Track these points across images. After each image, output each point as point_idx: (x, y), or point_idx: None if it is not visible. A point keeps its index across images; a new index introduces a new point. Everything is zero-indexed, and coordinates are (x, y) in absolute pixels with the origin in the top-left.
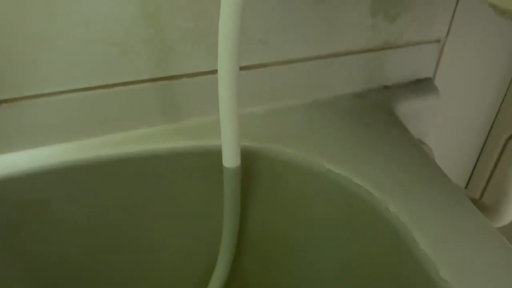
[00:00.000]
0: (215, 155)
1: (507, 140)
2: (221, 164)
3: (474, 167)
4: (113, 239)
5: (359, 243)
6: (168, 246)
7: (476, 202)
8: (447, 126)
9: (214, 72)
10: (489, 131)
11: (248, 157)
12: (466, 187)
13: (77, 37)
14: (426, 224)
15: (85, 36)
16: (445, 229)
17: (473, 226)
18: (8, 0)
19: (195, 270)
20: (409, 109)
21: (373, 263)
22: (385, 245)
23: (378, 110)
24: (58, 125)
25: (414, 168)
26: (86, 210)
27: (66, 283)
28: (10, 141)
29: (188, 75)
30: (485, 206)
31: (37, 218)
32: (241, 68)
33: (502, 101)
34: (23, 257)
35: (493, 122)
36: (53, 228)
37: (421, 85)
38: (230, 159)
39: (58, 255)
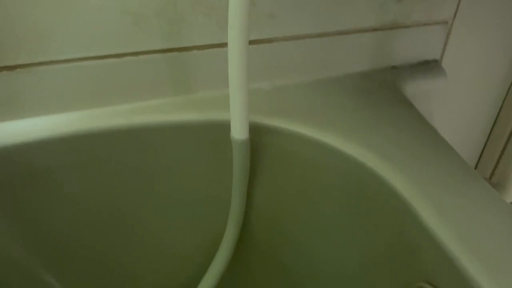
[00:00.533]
0: (224, 128)
1: None
2: (230, 138)
3: (482, 151)
4: (118, 210)
5: (367, 220)
6: (175, 216)
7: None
8: (454, 108)
9: (225, 45)
10: (498, 114)
11: (256, 131)
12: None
13: (92, 5)
14: (435, 197)
15: (100, 4)
16: (454, 202)
17: (484, 200)
18: None
19: (203, 240)
20: (416, 90)
21: (382, 241)
22: (394, 223)
23: (385, 89)
24: (69, 93)
25: (423, 142)
26: (92, 181)
27: (68, 253)
28: (23, 107)
29: (199, 47)
30: (493, 186)
31: (44, 186)
32: (250, 42)
33: (511, 84)
34: (27, 224)
35: (502, 105)
36: (59, 197)
37: (429, 67)
38: (239, 131)
39: (61, 225)
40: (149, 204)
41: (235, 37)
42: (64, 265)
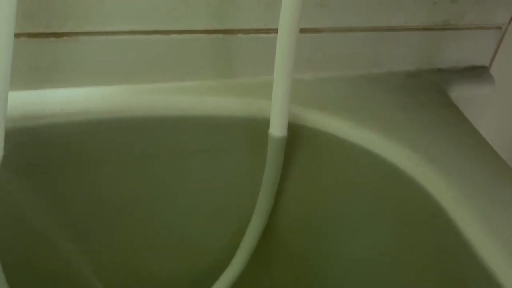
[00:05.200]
0: (261, 122)
1: None
2: (265, 131)
3: None
4: (142, 194)
5: (403, 224)
6: (199, 205)
7: None
8: (500, 116)
9: (270, 31)
10: None
11: (293, 127)
12: None
13: None
14: (478, 206)
15: None
16: (498, 212)
17: None
18: None
19: (226, 231)
20: (462, 94)
21: (419, 246)
22: (432, 226)
23: (431, 90)
24: (112, 66)
25: (468, 148)
26: (123, 160)
27: (97, 231)
28: (65, 76)
29: (244, 31)
30: None
31: (78, 159)
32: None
33: None
34: (56, 196)
35: None
36: (90, 170)
37: (477, 73)
38: (278, 128)
39: (93, 200)
40: (173, 191)
41: (287, 22)
42: (81, 246)
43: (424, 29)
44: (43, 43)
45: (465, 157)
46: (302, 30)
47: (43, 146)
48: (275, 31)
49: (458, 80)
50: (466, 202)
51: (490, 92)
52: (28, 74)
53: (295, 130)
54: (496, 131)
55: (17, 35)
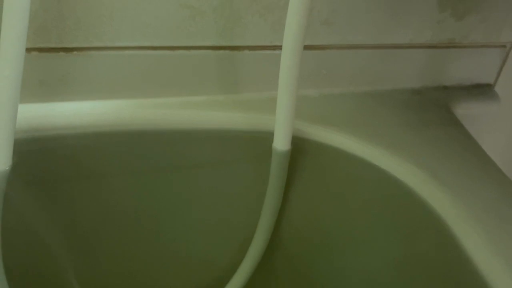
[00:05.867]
0: (265, 136)
1: None
2: (270, 147)
3: None
4: (145, 208)
5: (408, 242)
6: (202, 219)
7: None
8: (505, 134)
9: (276, 47)
10: None
11: (297, 140)
12: None
13: None
14: (482, 224)
15: None
16: (503, 230)
17: None
18: None
19: (229, 246)
20: (467, 112)
21: (423, 264)
22: (437, 244)
23: (436, 108)
24: (120, 80)
25: (473, 165)
26: (127, 173)
27: (91, 248)
28: (73, 90)
29: (250, 48)
30: None
31: (83, 171)
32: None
33: None
34: (63, 209)
35: None
36: (96, 183)
37: (482, 90)
38: (282, 142)
39: (92, 214)
40: (178, 204)
41: (291, 39)
42: (87, 259)
43: (429, 47)
44: (54, 58)
45: (470, 175)
46: (307, 47)
47: (50, 158)
48: (280, 47)
49: (463, 97)
50: (471, 220)
51: (495, 110)
52: (38, 88)
53: (299, 144)
54: (501, 148)
55: (28, 50)
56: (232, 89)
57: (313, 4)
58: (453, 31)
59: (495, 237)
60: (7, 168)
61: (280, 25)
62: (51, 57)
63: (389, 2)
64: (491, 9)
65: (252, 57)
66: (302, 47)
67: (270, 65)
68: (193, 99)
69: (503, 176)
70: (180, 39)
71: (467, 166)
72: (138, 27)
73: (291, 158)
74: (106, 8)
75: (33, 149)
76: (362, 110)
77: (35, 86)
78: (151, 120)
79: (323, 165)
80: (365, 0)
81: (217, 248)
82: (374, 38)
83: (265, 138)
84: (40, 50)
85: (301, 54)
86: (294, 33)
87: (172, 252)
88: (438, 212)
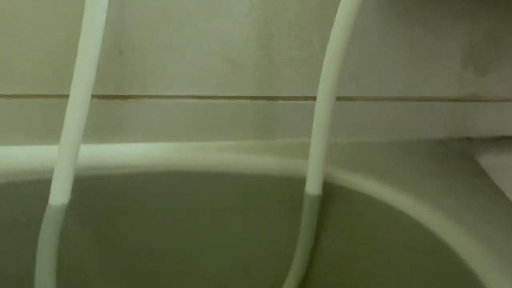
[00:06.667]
0: (297, 182)
1: None
2: (301, 191)
3: None
4: (177, 247)
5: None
6: (233, 261)
7: None
8: None
9: (308, 98)
10: None
11: (327, 186)
12: None
13: (201, 52)
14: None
15: (207, 51)
16: None
17: None
18: (154, 15)
19: None
20: (492, 163)
21: None
22: None
23: (461, 158)
24: (167, 125)
25: (498, 213)
26: (170, 210)
27: (138, 279)
28: (127, 133)
29: (284, 98)
30: None
31: (132, 208)
32: None
33: None
34: (111, 246)
35: None
36: (136, 220)
37: (506, 142)
38: (313, 186)
39: (137, 250)
40: (208, 246)
41: (325, 91)
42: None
43: (453, 100)
44: (111, 104)
45: (498, 225)
46: (339, 98)
47: (103, 195)
48: (312, 98)
49: (488, 149)
50: (500, 270)
51: None
52: (95, 130)
53: (329, 189)
54: None
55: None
56: (267, 135)
57: (344, 60)
58: (475, 87)
59: None
60: (66, 203)
61: (311, 79)
62: (109, 103)
63: (414, 58)
64: (511, 67)
65: (286, 107)
66: (335, 98)
67: (302, 114)
68: (231, 144)
69: None
70: (222, 90)
71: (494, 216)
72: (187, 79)
73: (321, 203)
74: (161, 61)
75: (89, 186)
76: (389, 158)
77: (93, 129)
78: (193, 162)
79: (352, 210)
80: (392, 56)
81: (252, 284)
82: (401, 91)
83: (297, 182)
84: (101, 97)
85: (333, 104)
86: (328, 85)
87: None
88: (466, 261)
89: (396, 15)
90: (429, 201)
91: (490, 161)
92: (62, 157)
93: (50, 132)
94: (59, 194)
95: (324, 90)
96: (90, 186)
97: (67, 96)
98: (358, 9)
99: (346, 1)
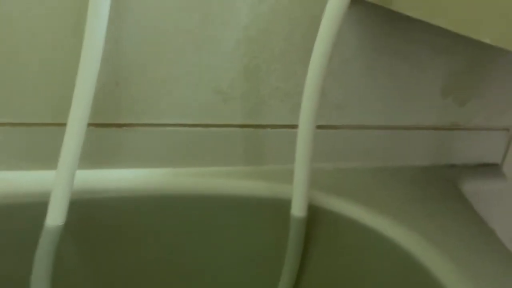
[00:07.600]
0: (284, 203)
1: None
2: (288, 212)
3: None
4: (172, 265)
5: None
6: (226, 280)
7: None
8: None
9: (294, 126)
10: None
11: (313, 209)
12: None
13: (193, 84)
14: None
15: (198, 83)
16: None
17: None
18: (149, 49)
19: None
20: (474, 189)
21: None
22: None
23: (443, 185)
24: (159, 152)
25: (474, 237)
26: (162, 231)
27: None
28: (122, 159)
29: (272, 126)
30: None
31: (125, 229)
32: (318, 127)
33: None
34: (103, 266)
35: None
36: (131, 241)
37: (489, 169)
38: (299, 208)
39: (131, 268)
40: (199, 266)
41: (305, 120)
42: None
43: (434, 128)
44: (106, 132)
45: (475, 248)
46: (323, 127)
47: (97, 217)
48: (297, 126)
49: (470, 175)
50: None
51: (503, 188)
52: (91, 156)
53: (316, 212)
54: (509, 225)
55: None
56: (255, 161)
57: (325, 91)
58: (456, 115)
59: None
60: (61, 224)
61: (297, 108)
62: (105, 131)
63: (395, 88)
64: (492, 96)
65: (273, 134)
66: (315, 126)
67: (289, 141)
68: (222, 169)
69: (506, 250)
70: (213, 118)
71: (470, 239)
72: (179, 108)
73: (307, 226)
74: (155, 92)
75: (84, 209)
76: (373, 184)
77: (88, 155)
78: (185, 187)
79: (337, 232)
80: (374, 87)
81: None
82: (383, 120)
83: (284, 205)
84: (96, 125)
85: (314, 132)
86: (308, 114)
87: None
88: (440, 280)
89: (376, 48)
90: (409, 224)
91: (472, 187)
92: (59, 181)
93: (49, 157)
94: (56, 216)
95: (305, 118)
96: (86, 209)
97: (65, 124)
98: (332, 48)
99: (321, 40)
